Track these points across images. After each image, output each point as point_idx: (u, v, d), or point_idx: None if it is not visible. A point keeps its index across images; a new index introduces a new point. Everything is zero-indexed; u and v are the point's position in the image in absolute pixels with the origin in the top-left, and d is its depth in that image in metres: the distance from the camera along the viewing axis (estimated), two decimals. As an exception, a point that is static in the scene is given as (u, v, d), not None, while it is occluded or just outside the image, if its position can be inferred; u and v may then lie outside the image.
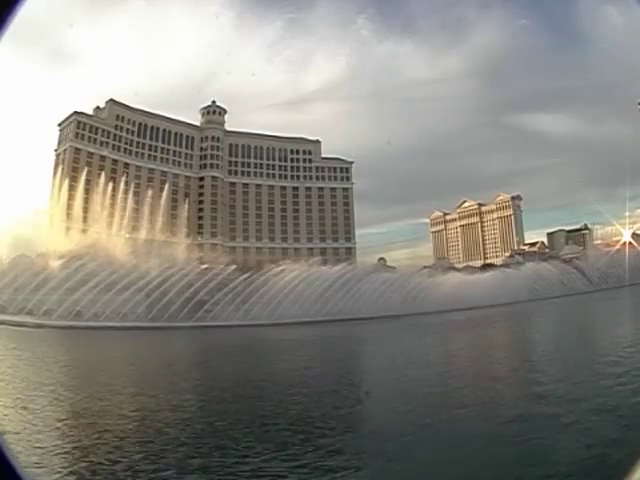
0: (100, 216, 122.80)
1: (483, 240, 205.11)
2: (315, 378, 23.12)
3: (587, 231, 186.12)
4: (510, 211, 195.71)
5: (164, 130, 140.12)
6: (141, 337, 50.99)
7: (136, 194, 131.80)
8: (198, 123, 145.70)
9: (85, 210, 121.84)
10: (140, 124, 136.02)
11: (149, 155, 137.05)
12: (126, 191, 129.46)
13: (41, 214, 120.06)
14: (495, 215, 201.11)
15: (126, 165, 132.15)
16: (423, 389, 18.81)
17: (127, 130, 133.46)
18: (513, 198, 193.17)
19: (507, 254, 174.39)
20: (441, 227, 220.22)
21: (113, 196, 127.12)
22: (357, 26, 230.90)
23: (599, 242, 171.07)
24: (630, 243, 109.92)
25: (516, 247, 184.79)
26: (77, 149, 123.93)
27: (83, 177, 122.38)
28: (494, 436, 12.35)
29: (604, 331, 35.72)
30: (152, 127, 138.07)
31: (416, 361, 26.85)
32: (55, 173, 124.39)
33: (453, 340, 38.50)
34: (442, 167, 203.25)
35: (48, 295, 62.81)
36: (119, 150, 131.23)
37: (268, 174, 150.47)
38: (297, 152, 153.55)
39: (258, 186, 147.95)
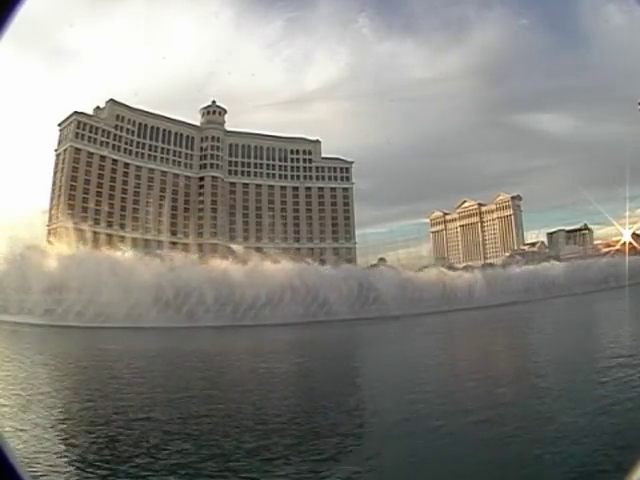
0: (100, 216, 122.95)
1: (483, 240, 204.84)
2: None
3: (587, 231, 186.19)
4: (510, 211, 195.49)
5: (164, 130, 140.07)
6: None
7: (136, 194, 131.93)
8: (198, 123, 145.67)
9: (85, 210, 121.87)
10: (140, 124, 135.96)
11: (149, 155, 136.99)
12: (126, 191, 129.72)
13: (41, 214, 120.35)
14: (495, 215, 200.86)
15: (126, 165, 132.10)
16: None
17: (127, 130, 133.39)
18: (513, 198, 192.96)
19: (507, 254, 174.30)
20: (441, 227, 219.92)
21: (113, 196, 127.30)
22: (357, 25, 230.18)
23: (599, 242, 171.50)
24: (630, 243, 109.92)
25: (516, 247, 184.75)
26: (77, 149, 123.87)
27: (83, 177, 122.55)
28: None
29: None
30: (152, 127, 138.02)
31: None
32: (55, 173, 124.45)
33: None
34: (442, 167, 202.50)
35: (48, 295, 62.76)
36: (119, 150, 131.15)
37: (268, 174, 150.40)
38: (297, 152, 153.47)
39: (258, 186, 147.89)
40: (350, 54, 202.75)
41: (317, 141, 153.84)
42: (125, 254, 77.22)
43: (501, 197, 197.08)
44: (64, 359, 32.66)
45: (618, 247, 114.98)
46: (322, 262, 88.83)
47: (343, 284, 73.69)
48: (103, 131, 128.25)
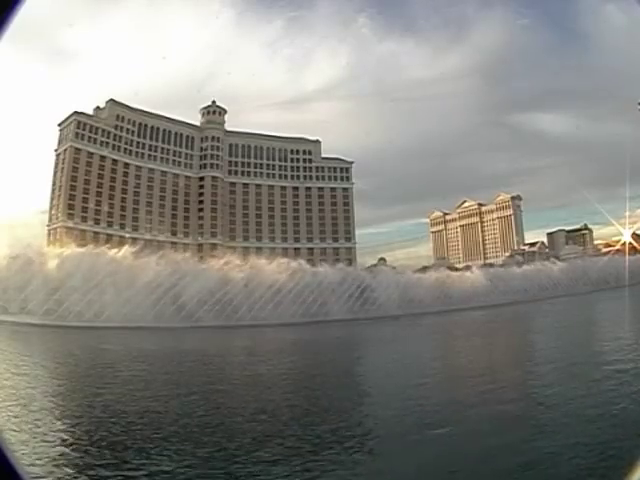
0: (100, 216, 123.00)
1: (483, 240, 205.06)
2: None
3: (587, 231, 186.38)
4: (510, 211, 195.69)
5: (164, 130, 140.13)
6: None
7: (136, 194, 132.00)
8: (198, 123, 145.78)
9: (85, 210, 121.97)
10: (140, 124, 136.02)
11: (149, 155, 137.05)
12: (126, 191, 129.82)
13: (41, 214, 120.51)
14: (495, 215, 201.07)
15: (126, 165, 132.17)
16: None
17: (127, 130, 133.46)
18: (513, 198, 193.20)
19: (507, 254, 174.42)
20: (441, 227, 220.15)
21: (113, 196, 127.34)
22: (358, 25, 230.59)
23: (599, 242, 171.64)
24: (630, 243, 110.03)
25: (516, 247, 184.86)
26: (77, 149, 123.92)
27: (83, 177, 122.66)
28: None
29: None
30: (152, 127, 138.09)
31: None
32: (55, 173, 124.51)
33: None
34: (442, 167, 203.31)
35: (48, 295, 62.77)
36: (119, 150, 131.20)
37: (268, 174, 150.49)
38: (297, 152, 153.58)
39: (258, 186, 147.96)
40: (350, 54, 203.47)
41: (317, 141, 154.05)
42: (124, 254, 77.14)
43: (501, 197, 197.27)
44: (64, 359, 32.66)
45: (618, 247, 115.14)
46: (322, 262, 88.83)
47: (342, 284, 73.72)
48: (103, 131, 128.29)
